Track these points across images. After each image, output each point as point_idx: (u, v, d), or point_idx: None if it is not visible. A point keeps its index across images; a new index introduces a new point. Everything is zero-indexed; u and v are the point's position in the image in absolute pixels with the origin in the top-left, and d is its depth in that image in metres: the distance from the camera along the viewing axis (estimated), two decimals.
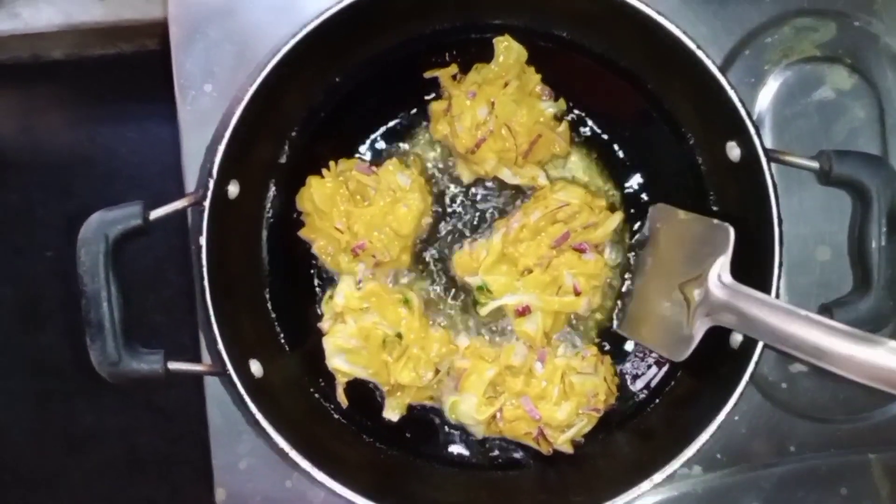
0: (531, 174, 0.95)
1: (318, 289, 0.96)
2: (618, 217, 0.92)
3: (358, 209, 0.91)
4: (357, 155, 0.96)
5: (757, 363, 0.81)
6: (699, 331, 0.85)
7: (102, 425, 1.26)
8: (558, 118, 0.95)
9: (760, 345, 0.81)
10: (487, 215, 0.97)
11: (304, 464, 0.82)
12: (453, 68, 0.95)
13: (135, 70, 1.23)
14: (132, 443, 1.27)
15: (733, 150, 0.85)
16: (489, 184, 0.97)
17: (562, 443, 0.92)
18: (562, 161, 0.97)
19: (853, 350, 0.70)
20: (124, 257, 1.20)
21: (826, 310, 0.83)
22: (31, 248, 1.27)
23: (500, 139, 0.91)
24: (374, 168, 0.93)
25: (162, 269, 1.27)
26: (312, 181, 0.91)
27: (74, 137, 1.28)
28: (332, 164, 0.93)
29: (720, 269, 0.83)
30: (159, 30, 1.01)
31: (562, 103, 0.95)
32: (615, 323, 0.97)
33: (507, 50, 0.93)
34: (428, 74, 0.95)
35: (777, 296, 0.81)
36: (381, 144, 0.97)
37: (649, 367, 0.97)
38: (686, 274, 0.87)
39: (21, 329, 1.26)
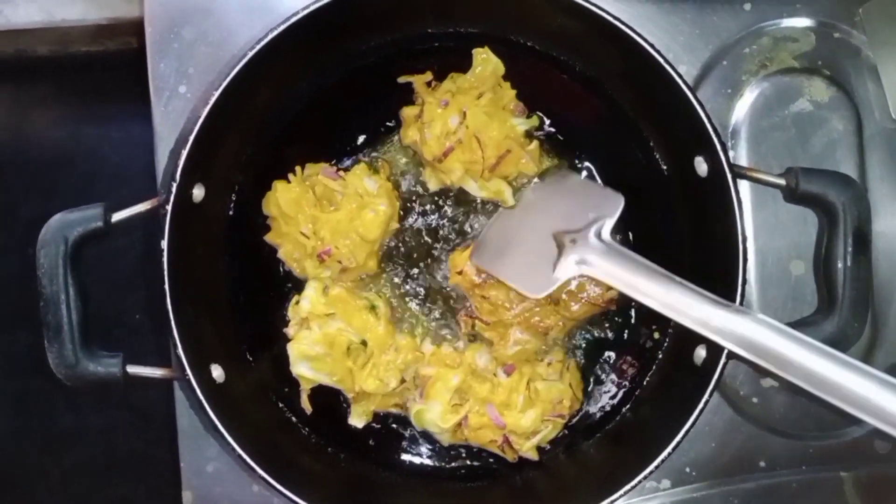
0: (497, 188, 0.94)
1: (285, 294, 0.95)
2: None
3: (324, 214, 0.90)
4: (324, 159, 0.95)
5: (718, 379, 0.80)
6: (564, 275, 0.87)
7: (81, 425, 1.26)
8: (530, 136, 0.94)
9: (722, 362, 0.80)
10: (456, 222, 0.96)
11: (262, 472, 0.81)
12: (428, 75, 0.94)
13: (118, 68, 1.23)
14: (110, 443, 1.27)
15: (701, 166, 0.84)
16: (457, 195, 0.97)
17: (527, 450, 0.91)
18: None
19: (710, 313, 0.77)
20: (106, 256, 1.21)
21: None
22: (14, 246, 1.27)
23: (469, 150, 0.90)
24: (340, 173, 0.93)
25: (143, 270, 1.26)
26: (278, 186, 0.91)
27: (58, 136, 1.28)
28: (298, 168, 0.92)
29: (603, 227, 0.87)
30: (139, 29, 1.01)
31: (534, 119, 0.95)
32: (475, 253, 0.93)
33: (485, 62, 0.93)
34: (402, 79, 0.94)
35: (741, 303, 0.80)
36: (349, 149, 0.96)
37: (616, 379, 0.96)
38: (566, 225, 0.89)
39: (1, 328, 1.26)
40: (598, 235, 0.87)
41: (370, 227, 0.90)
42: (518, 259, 0.91)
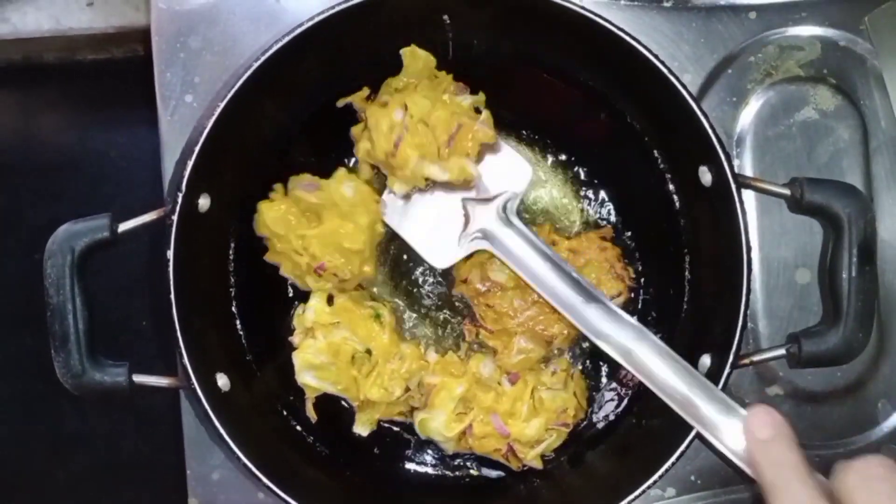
0: (458, 165, 0.89)
1: (290, 302, 0.95)
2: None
3: (310, 230, 0.90)
4: (330, 168, 0.94)
5: (724, 388, 0.80)
6: (466, 248, 0.91)
7: (87, 429, 1.26)
8: (478, 111, 0.92)
9: (728, 369, 0.80)
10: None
11: (267, 481, 0.82)
12: (365, 91, 0.93)
13: (125, 75, 1.23)
14: (116, 447, 1.27)
15: (705, 175, 0.84)
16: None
17: (531, 459, 0.91)
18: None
19: (589, 312, 0.84)
20: (111, 262, 1.21)
21: (794, 340, 0.81)
22: (20, 250, 1.27)
23: (418, 134, 0.87)
24: (315, 183, 0.91)
25: (148, 276, 1.27)
26: (262, 206, 0.90)
27: (65, 141, 1.29)
28: (279, 185, 0.91)
29: (509, 202, 0.90)
30: (145, 37, 1.01)
31: (480, 96, 0.92)
32: (385, 212, 0.93)
33: (414, 58, 0.91)
34: (340, 102, 0.93)
35: (745, 323, 0.80)
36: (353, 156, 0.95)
37: (620, 388, 0.96)
38: (475, 192, 0.91)
39: (7, 331, 1.26)
40: (504, 210, 0.89)
41: (353, 238, 0.89)
42: (426, 223, 0.92)
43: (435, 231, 0.92)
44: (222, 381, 0.86)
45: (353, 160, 0.95)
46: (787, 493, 0.63)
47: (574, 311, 0.85)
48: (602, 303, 0.84)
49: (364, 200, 0.91)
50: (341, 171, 0.92)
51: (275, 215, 0.90)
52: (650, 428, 0.92)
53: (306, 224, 0.90)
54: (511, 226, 0.89)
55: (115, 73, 1.25)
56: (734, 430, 0.74)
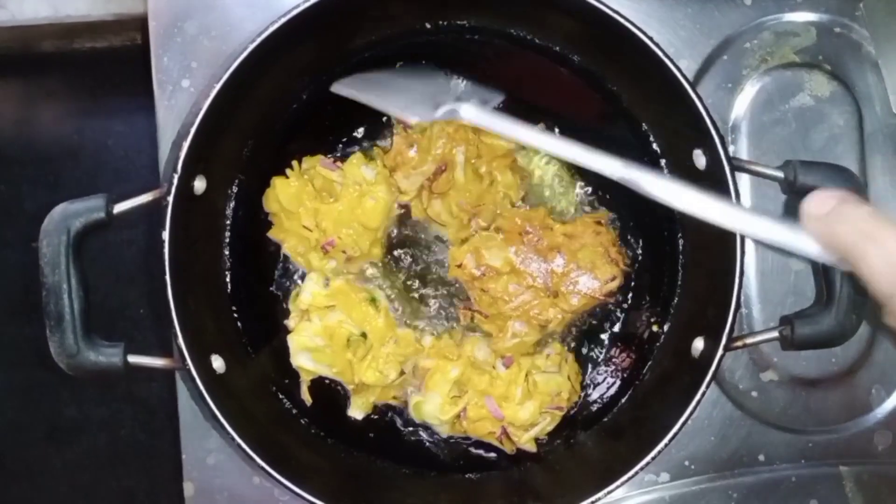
0: None
1: (286, 285, 0.95)
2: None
3: (325, 206, 0.90)
4: (324, 153, 0.95)
5: (716, 372, 0.80)
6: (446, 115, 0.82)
7: (85, 417, 1.27)
8: None
9: (720, 351, 0.81)
10: None
11: (262, 462, 0.82)
12: None
13: (123, 63, 1.24)
14: (114, 435, 1.28)
15: (699, 159, 0.84)
16: None
17: (525, 441, 0.92)
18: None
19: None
20: (110, 250, 1.22)
21: (787, 322, 0.82)
22: (19, 240, 1.28)
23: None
24: (338, 163, 0.93)
25: (146, 264, 1.27)
26: (277, 182, 0.91)
27: (63, 130, 1.29)
28: (294, 163, 0.92)
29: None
30: (142, 24, 1.01)
31: None
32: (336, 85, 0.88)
33: None
34: None
35: (738, 305, 0.80)
36: (348, 142, 0.96)
37: (614, 371, 0.96)
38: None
39: (7, 320, 1.26)
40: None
41: (371, 214, 0.90)
42: (399, 90, 0.88)
43: (410, 95, 0.86)
44: (217, 362, 0.86)
45: (352, 146, 0.96)
46: (879, 243, 0.57)
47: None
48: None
49: (385, 180, 0.92)
50: (358, 155, 0.93)
51: (289, 191, 0.91)
52: (643, 411, 0.92)
53: (321, 201, 0.91)
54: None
55: (112, 62, 1.25)
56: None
